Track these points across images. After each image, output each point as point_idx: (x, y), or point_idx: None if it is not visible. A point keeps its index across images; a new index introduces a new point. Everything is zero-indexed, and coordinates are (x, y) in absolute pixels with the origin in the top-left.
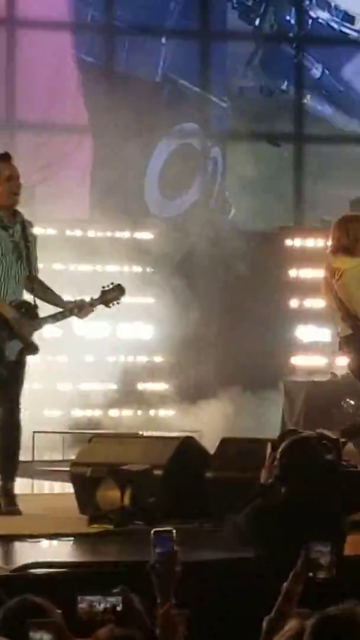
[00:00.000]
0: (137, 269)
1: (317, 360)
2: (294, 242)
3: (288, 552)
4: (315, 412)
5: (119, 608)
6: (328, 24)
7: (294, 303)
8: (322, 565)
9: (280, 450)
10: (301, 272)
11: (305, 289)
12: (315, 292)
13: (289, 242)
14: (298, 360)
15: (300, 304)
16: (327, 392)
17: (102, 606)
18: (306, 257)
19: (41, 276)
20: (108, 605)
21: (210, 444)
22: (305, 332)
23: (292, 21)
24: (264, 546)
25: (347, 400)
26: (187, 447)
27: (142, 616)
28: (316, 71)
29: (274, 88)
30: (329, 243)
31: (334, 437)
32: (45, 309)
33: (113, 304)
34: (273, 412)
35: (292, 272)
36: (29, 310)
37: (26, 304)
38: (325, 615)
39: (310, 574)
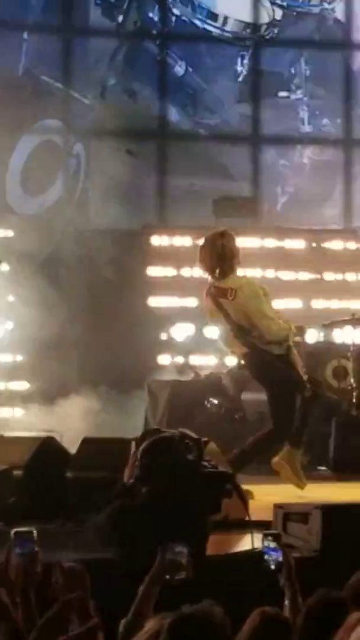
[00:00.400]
0: None
1: (181, 360)
2: (158, 241)
3: (149, 553)
4: (179, 412)
5: None
6: (191, 22)
7: (158, 302)
8: (179, 566)
9: (140, 450)
10: (165, 271)
11: (169, 287)
12: (179, 291)
13: (152, 240)
14: (162, 360)
15: (163, 303)
16: (190, 391)
17: None
18: (170, 256)
19: None
20: None
21: (71, 444)
22: (168, 331)
23: (156, 18)
24: (124, 546)
25: (210, 399)
26: (48, 447)
27: (8, 608)
28: (179, 69)
29: (136, 85)
30: (199, 266)
31: (196, 436)
32: None
33: None
34: (138, 412)
35: (156, 271)
36: None
37: None
38: (181, 614)
39: (168, 576)
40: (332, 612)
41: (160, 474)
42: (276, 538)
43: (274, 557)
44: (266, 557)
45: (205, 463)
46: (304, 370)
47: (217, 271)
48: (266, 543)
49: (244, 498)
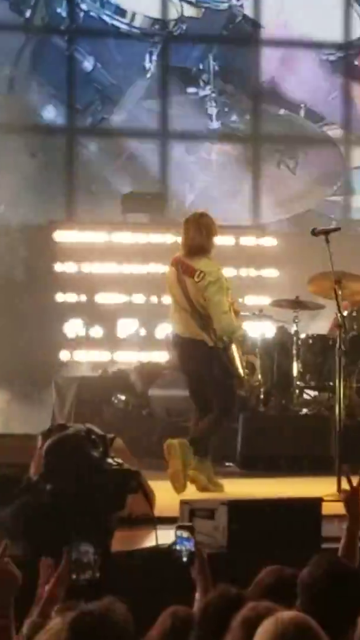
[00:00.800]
0: None
1: (88, 356)
2: (64, 237)
3: (54, 551)
4: (86, 408)
5: None
6: (100, 17)
7: (65, 297)
8: (85, 566)
9: (45, 446)
10: (71, 266)
11: (76, 283)
12: (86, 286)
13: (59, 236)
14: (68, 356)
15: (70, 299)
16: (97, 387)
17: None
18: (77, 251)
19: None
20: None
21: None
22: (76, 327)
23: (64, 14)
24: (30, 544)
25: (118, 395)
26: None
27: None
28: (88, 64)
29: (44, 81)
30: (181, 241)
31: (102, 433)
32: None
33: None
34: (47, 408)
35: (63, 266)
36: None
37: None
38: (82, 611)
39: (74, 576)
40: (229, 609)
41: (65, 471)
42: (189, 530)
43: (187, 547)
44: (178, 547)
45: (110, 460)
46: (242, 366)
47: (196, 248)
48: (179, 533)
49: (148, 496)
